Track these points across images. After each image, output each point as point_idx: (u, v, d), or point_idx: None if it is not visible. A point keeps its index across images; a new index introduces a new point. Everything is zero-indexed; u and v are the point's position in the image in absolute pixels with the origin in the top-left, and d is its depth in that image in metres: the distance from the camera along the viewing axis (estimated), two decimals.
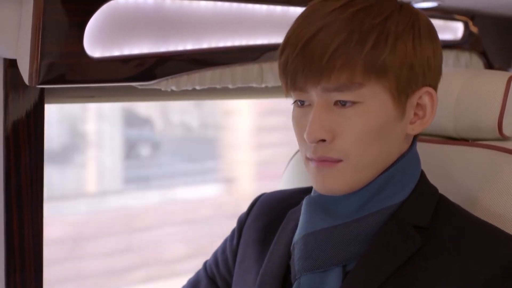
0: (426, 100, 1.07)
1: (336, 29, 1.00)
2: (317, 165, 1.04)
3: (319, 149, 1.03)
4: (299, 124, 1.06)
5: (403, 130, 1.07)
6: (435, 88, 1.08)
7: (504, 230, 1.06)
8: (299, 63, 1.01)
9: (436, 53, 1.07)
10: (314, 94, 1.03)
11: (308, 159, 1.06)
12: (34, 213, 1.34)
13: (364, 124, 1.02)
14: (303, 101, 1.06)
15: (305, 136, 1.03)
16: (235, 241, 1.25)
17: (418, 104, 1.07)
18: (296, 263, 1.08)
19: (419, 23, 1.05)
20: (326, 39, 1.00)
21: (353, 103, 1.02)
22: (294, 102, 1.08)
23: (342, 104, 1.02)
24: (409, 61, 1.02)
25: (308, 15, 1.04)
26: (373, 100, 1.02)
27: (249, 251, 1.21)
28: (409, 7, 1.07)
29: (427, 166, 1.15)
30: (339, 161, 1.03)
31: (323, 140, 1.03)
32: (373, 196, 1.06)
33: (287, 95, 1.07)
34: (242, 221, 1.26)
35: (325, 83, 1.01)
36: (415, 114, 1.08)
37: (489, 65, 2.04)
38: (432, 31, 1.08)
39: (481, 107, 1.24)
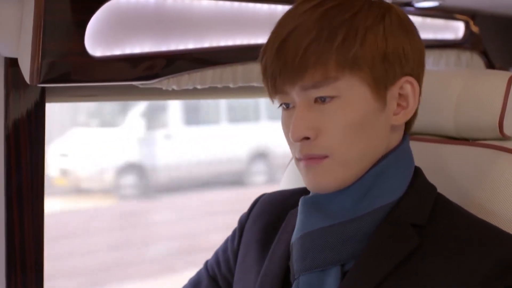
0: (408, 89, 1.08)
1: (307, 28, 1.02)
2: (305, 163, 1.05)
3: (304, 147, 1.04)
4: (286, 127, 1.08)
5: (387, 122, 1.07)
6: (417, 78, 1.09)
7: (503, 229, 1.06)
8: (275, 66, 1.03)
9: (413, 44, 1.07)
10: (294, 95, 1.04)
11: (297, 159, 1.07)
12: (35, 212, 1.34)
13: (345, 117, 1.03)
14: (288, 104, 1.07)
15: (289, 135, 1.04)
16: (236, 242, 1.25)
17: (400, 95, 1.08)
18: (294, 263, 1.08)
19: (390, 15, 1.06)
20: (297, 39, 1.01)
21: (332, 98, 1.03)
22: (279, 106, 1.09)
23: (322, 100, 1.03)
24: (381, 52, 1.03)
25: (283, 18, 1.06)
26: (350, 93, 1.03)
27: (250, 251, 1.21)
28: (380, 2, 1.08)
29: (427, 165, 1.16)
30: (325, 157, 1.04)
31: (307, 138, 1.04)
32: (366, 192, 1.06)
33: (272, 99, 1.09)
34: (243, 222, 1.26)
35: (301, 82, 1.02)
36: (399, 105, 1.08)
37: (490, 65, 2.04)
38: (405, 23, 1.08)
39: (481, 107, 1.24)
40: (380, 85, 1.04)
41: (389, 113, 1.07)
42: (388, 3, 1.08)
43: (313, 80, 1.02)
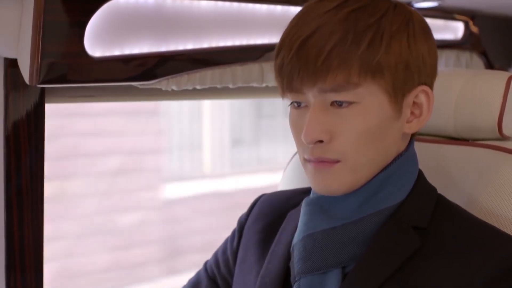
0: (422, 98, 1.07)
1: (331, 29, 1.00)
2: (315, 166, 1.04)
3: (316, 150, 1.03)
4: (296, 126, 1.06)
5: (400, 129, 1.07)
6: (431, 86, 1.08)
7: (504, 230, 1.06)
8: (294, 65, 1.01)
9: (431, 51, 1.07)
10: (311, 95, 1.03)
11: (306, 160, 1.06)
12: (34, 213, 1.34)
13: (361, 124, 1.02)
14: (299, 103, 1.06)
15: (302, 137, 1.03)
16: (235, 242, 1.25)
17: (414, 103, 1.07)
18: (295, 265, 1.08)
19: (414, 21, 1.05)
20: (321, 40, 1.00)
21: (350, 103, 1.02)
22: (290, 104, 1.07)
23: (339, 104, 1.02)
24: (404, 60, 1.03)
25: (302, 16, 1.04)
26: (369, 100, 1.02)
27: (249, 252, 1.21)
28: (403, 6, 1.07)
29: (427, 166, 1.16)
30: (337, 161, 1.03)
31: (321, 141, 1.03)
32: (371, 196, 1.06)
33: (283, 96, 1.07)
34: (243, 222, 1.26)
35: (321, 84, 1.01)
36: (412, 113, 1.08)
37: (489, 65, 2.04)
38: (427, 30, 1.08)
39: (481, 107, 1.24)
40: (398, 93, 1.04)
41: (402, 121, 1.07)
42: (409, 8, 1.07)
43: (334, 84, 1.00)
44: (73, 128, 3.92)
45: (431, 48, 1.07)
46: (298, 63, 1.01)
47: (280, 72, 1.04)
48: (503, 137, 1.25)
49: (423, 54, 1.05)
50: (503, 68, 2.09)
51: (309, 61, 1.00)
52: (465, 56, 1.98)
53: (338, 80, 1.00)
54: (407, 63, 1.03)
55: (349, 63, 1.00)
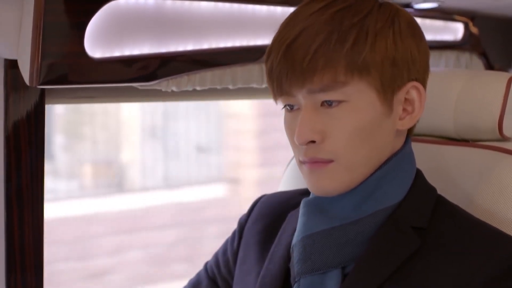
0: (413, 94, 1.07)
1: (316, 30, 1.01)
2: (309, 167, 1.05)
3: (309, 151, 1.04)
4: (290, 128, 1.07)
5: (393, 126, 1.07)
6: (423, 83, 1.09)
7: (504, 231, 1.06)
8: (282, 67, 1.02)
9: (420, 48, 1.07)
10: (301, 97, 1.03)
11: (301, 162, 1.07)
12: (34, 213, 1.34)
13: (352, 122, 1.03)
14: (292, 105, 1.06)
15: (295, 138, 1.04)
16: (235, 243, 1.25)
17: (406, 100, 1.07)
18: (295, 265, 1.08)
19: (400, 19, 1.05)
20: (306, 41, 1.01)
21: (339, 102, 1.03)
22: (284, 107, 1.08)
23: (329, 104, 1.03)
24: (390, 57, 1.03)
25: (290, 19, 1.05)
26: (359, 98, 1.03)
27: (249, 253, 1.21)
28: (389, 4, 1.07)
29: (427, 166, 1.16)
30: (330, 161, 1.04)
31: (313, 142, 1.03)
32: (369, 195, 1.06)
33: (276, 100, 1.08)
34: (243, 223, 1.26)
35: (309, 85, 1.01)
36: (404, 109, 1.08)
37: (489, 66, 2.04)
38: (414, 27, 1.08)
39: (481, 108, 1.24)
40: (388, 90, 1.04)
41: (395, 118, 1.07)
42: (396, 6, 1.08)
43: (322, 84, 1.01)
44: (278, 126, 4.66)
45: (420, 44, 1.08)
46: (286, 65, 1.02)
47: (270, 76, 1.05)
48: (504, 138, 1.25)
49: (412, 50, 1.05)
50: (503, 69, 2.09)
51: (296, 63, 1.01)
52: (465, 57, 1.98)
53: (325, 80, 1.01)
54: (393, 59, 1.03)
55: (334, 63, 1.00)
